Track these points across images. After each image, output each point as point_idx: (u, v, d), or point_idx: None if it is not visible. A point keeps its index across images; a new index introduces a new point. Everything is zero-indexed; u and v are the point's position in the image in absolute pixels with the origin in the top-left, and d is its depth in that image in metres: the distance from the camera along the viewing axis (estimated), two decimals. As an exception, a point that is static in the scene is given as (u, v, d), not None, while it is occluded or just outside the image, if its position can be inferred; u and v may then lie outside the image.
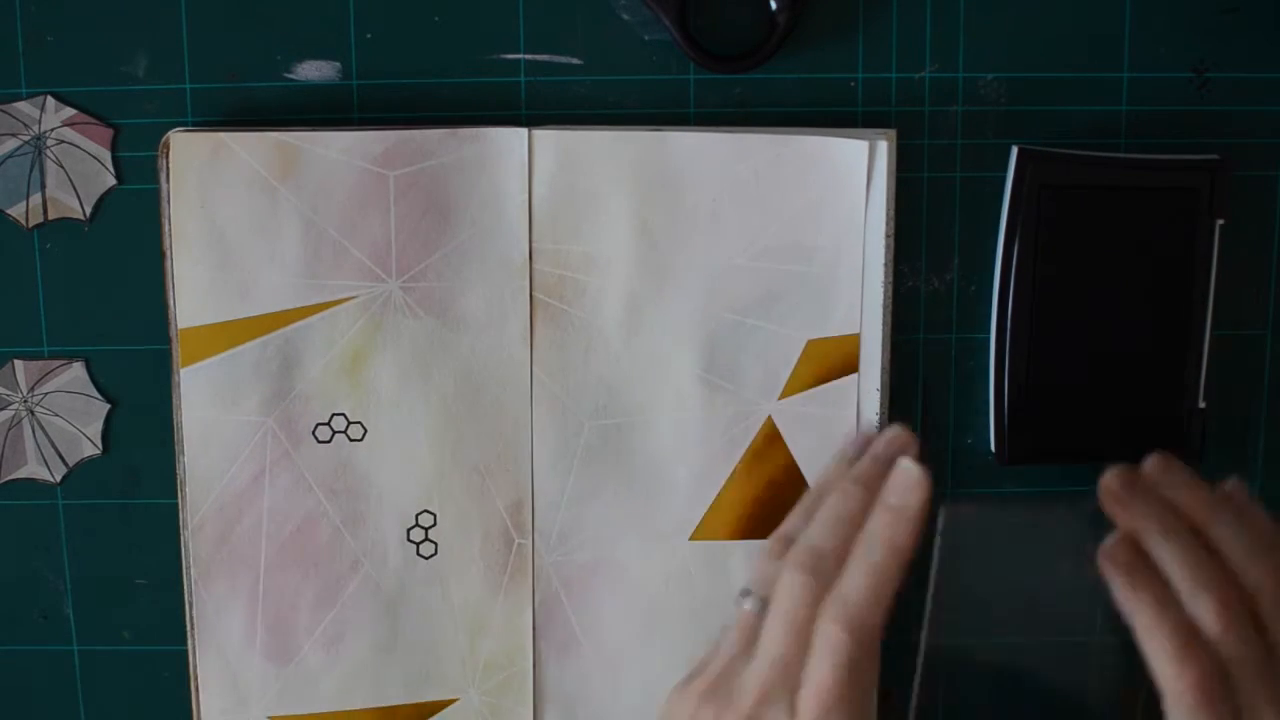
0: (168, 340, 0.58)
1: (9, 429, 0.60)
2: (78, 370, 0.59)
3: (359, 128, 0.57)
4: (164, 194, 0.56)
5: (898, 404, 0.59)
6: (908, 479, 0.48)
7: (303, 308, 0.57)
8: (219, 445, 0.58)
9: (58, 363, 0.59)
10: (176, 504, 0.59)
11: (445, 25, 0.57)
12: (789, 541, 0.49)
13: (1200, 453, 0.58)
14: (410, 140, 0.56)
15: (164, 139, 0.56)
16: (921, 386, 0.59)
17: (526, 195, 0.57)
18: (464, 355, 0.58)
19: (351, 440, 0.58)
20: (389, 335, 0.57)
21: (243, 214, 0.56)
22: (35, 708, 0.62)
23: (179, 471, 0.58)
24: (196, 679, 0.59)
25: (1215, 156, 0.57)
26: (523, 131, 0.56)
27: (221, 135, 0.56)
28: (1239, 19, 0.57)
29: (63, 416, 0.59)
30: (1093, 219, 0.56)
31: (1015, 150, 0.56)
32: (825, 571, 0.47)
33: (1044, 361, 0.57)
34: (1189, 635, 0.46)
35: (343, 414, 0.58)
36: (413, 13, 0.57)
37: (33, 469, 0.60)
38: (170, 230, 0.56)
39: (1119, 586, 0.47)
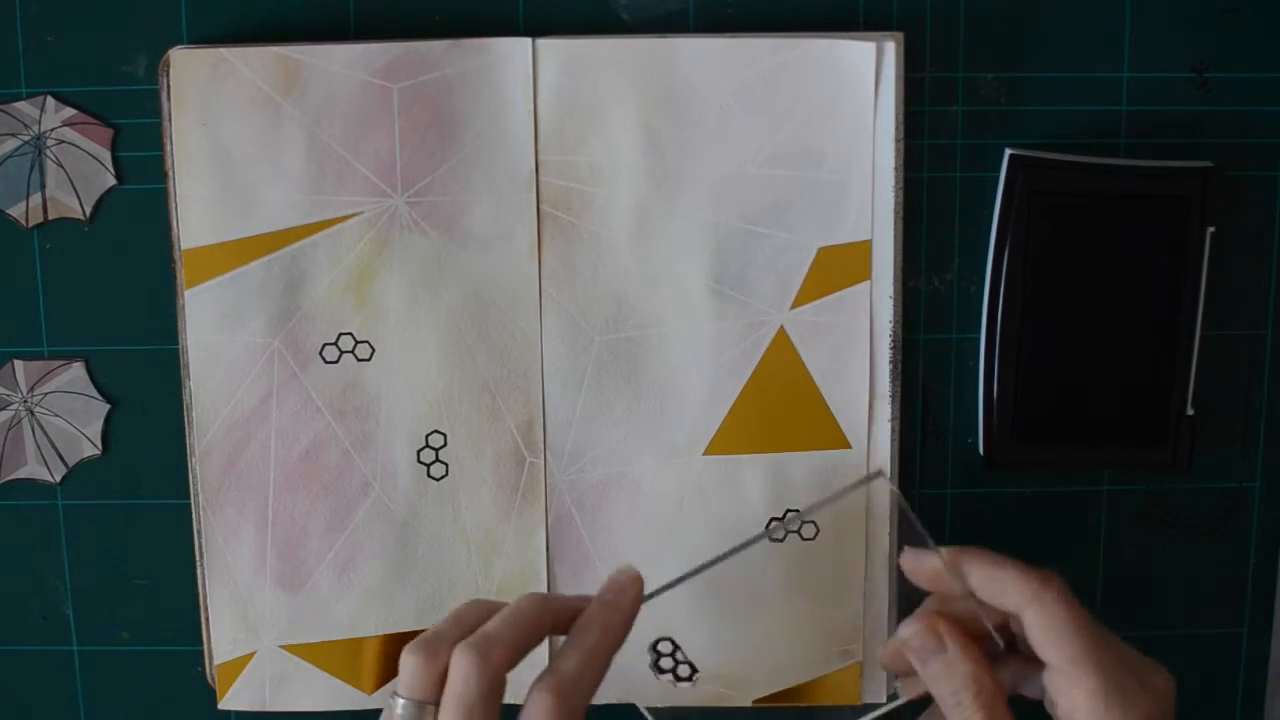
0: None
1: (9, 429, 0.59)
2: (77, 370, 0.59)
3: (358, 41, 0.56)
4: (165, 113, 0.56)
5: (897, 405, 0.58)
6: (624, 578, 0.52)
7: (307, 225, 0.56)
8: (225, 368, 0.57)
9: (58, 363, 0.59)
10: (176, 504, 0.59)
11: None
12: (437, 641, 0.50)
13: (1188, 460, 0.58)
14: (413, 52, 0.56)
15: (164, 57, 0.55)
16: (922, 386, 0.59)
17: (532, 106, 0.56)
18: (471, 271, 0.57)
19: (359, 360, 0.57)
20: (395, 252, 0.57)
21: (245, 131, 0.56)
22: (35, 708, 0.61)
23: (185, 396, 0.57)
24: (206, 609, 0.59)
25: (1208, 163, 0.56)
26: (526, 41, 0.56)
27: (222, 51, 0.55)
28: (1239, 19, 0.57)
29: (63, 416, 0.59)
30: (1084, 225, 0.56)
31: (1007, 154, 0.57)
32: (495, 659, 0.48)
33: (1034, 368, 0.57)
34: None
35: (350, 333, 0.57)
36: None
37: (33, 469, 0.59)
38: (172, 150, 0.56)
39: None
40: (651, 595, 0.53)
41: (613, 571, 0.52)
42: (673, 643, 0.58)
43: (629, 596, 0.52)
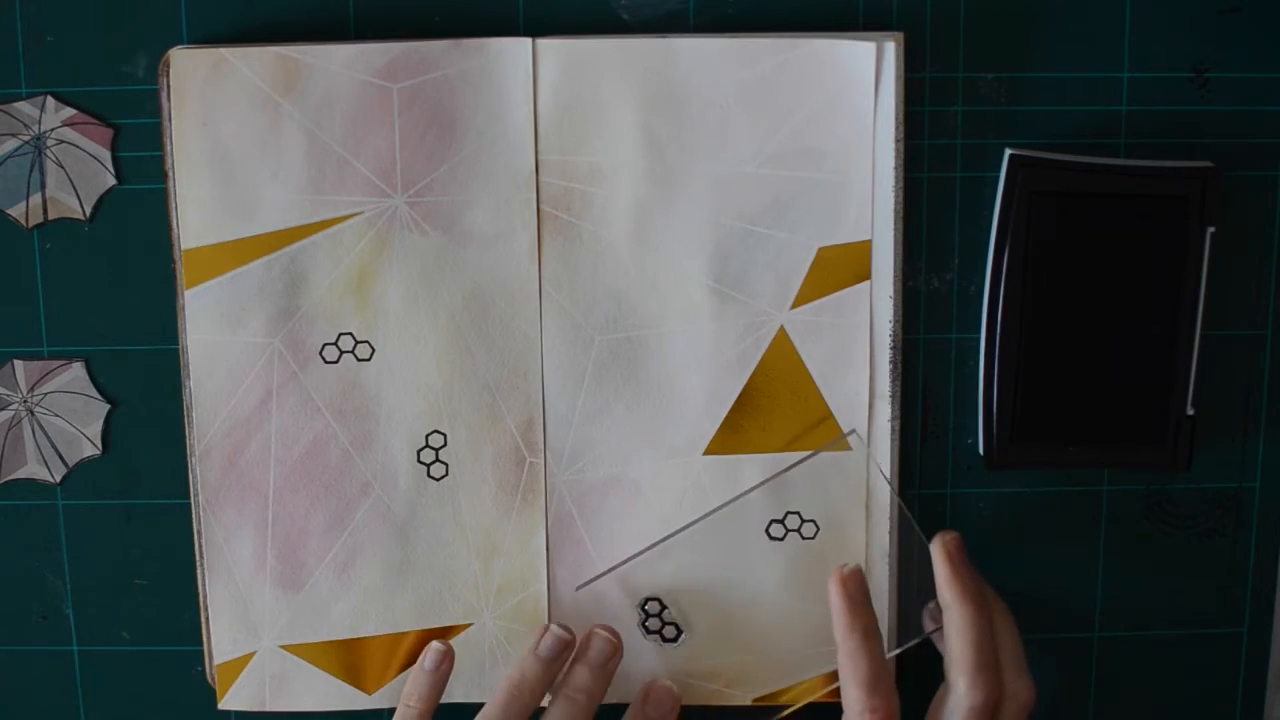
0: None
1: (9, 429, 0.59)
2: (77, 370, 0.59)
3: (358, 41, 0.56)
4: (165, 113, 0.56)
5: (898, 405, 0.58)
6: (608, 645, 0.57)
7: (307, 225, 0.56)
8: (225, 367, 0.57)
9: (58, 363, 0.59)
10: (177, 504, 0.59)
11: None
12: None
13: (1188, 460, 0.58)
14: (413, 52, 0.55)
15: (164, 57, 0.55)
16: (921, 386, 0.59)
17: (532, 106, 0.56)
18: (471, 271, 0.57)
19: (359, 360, 0.57)
20: (395, 251, 0.57)
21: (245, 131, 0.56)
22: (35, 708, 0.61)
23: (185, 396, 0.57)
24: (206, 609, 0.59)
25: (1208, 164, 0.56)
26: (527, 41, 0.56)
27: (222, 51, 0.55)
28: (1239, 19, 0.57)
29: (63, 416, 0.59)
30: (1084, 225, 0.56)
31: (1007, 154, 0.56)
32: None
33: (1034, 368, 0.57)
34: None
35: (350, 333, 0.57)
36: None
37: (33, 469, 0.59)
38: (172, 150, 0.56)
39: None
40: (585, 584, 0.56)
41: (596, 629, 0.57)
42: (660, 602, 0.58)
43: (614, 663, 0.56)
